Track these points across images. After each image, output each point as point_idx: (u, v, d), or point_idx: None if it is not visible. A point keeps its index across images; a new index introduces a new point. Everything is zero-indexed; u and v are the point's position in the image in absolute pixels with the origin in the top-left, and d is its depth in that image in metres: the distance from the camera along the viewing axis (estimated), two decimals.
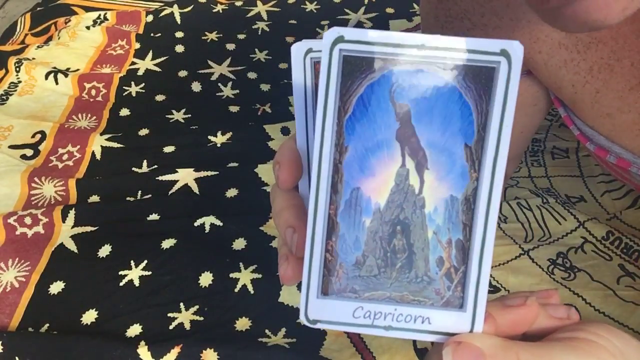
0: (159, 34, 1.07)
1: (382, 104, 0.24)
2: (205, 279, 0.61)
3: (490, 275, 0.61)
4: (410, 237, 0.25)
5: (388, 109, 0.24)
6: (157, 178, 0.74)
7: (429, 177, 0.25)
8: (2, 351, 0.53)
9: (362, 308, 0.26)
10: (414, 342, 0.53)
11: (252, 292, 0.59)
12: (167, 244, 0.65)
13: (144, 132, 0.84)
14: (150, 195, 0.72)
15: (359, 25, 1.09)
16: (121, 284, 0.61)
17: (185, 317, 0.57)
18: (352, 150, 0.25)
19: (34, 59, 0.96)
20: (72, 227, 0.67)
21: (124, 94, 0.91)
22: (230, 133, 0.82)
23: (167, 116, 0.87)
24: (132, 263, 0.63)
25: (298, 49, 0.29)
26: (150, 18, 1.11)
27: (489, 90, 0.24)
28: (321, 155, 0.25)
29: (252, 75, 0.96)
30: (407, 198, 0.25)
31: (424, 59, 0.24)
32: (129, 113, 0.88)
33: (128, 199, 0.72)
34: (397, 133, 0.25)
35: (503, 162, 0.25)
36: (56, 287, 0.61)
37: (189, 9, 1.13)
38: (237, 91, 0.92)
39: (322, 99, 0.24)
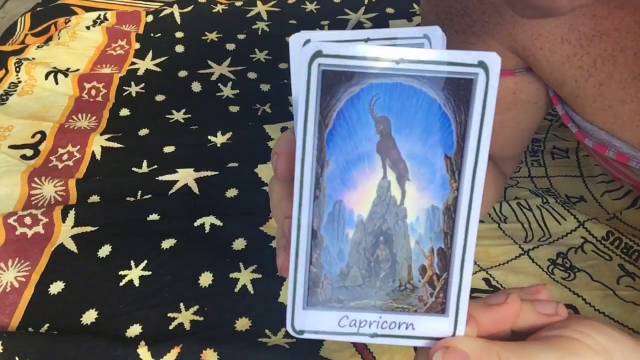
0: (159, 34, 1.07)
1: (362, 117, 0.25)
2: (205, 279, 0.61)
3: (490, 275, 0.61)
4: (393, 247, 0.26)
5: (368, 122, 0.25)
6: (157, 178, 0.74)
7: (411, 188, 0.26)
8: (2, 351, 0.53)
9: (347, 317, 0.26)
10: None
11: (252, 292, 0.59)
12: (167, 244, 0.65)
13: (144, 132, 0.84)
14: (150, 195, 0.72)
15: (359, 25, 1.09)
16: (121, 284, 0.61)
17: (185, 317, 0.57)
18: (334, 163, 0.25)
19: (34, 59, 0.96)
20: (72, 227, 0.67)
21: (124, 94, 0.91)
22: (230, 133, 0.82)
23: (167, 116, 0.87)
24: (132, 263, 0.63)
25: (296, 40, 0.29)
26: (150, 18, 1.11)
27: (467, 101, 0.24)
28: (303, 169, 0.25)
29: (252, 75, 0.96)
30: (389, 209, 0.26)
31: (402, 72, 0.24)
32: (129, 113, 0.88)
33: (128, 199, 0.72)
34: (377, 145, 0.25)
35: (482, 171, 0.25)
36: (56, 287, 0.61)
37: (189, 9, 1.13)
38: (237, 91, 0.92)
39: (302, 113, 0.24)
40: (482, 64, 0.24)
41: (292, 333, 0.27)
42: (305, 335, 0.27)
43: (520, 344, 0.26)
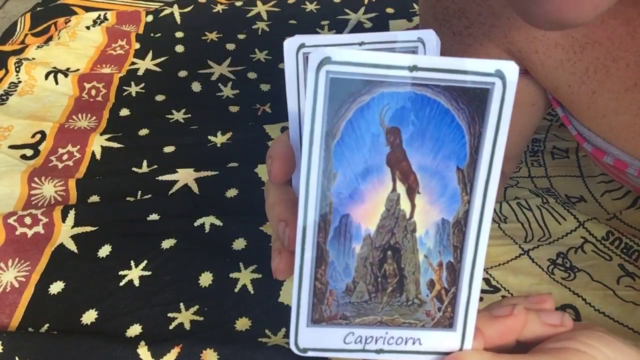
0: (159, 34, 1.07)
1: (372, 128, 0.23)
2: (205, 279, 0.61)
3: (490, 275, 0.61)
4: (401, 261, 0.25)
5: (378, 133, 0.24)
6: (157, 178, 0.74)
7: (420, 201, 0.25)
8: (2, 351, 0.53)
9: (352, 334, 0.26)
10: None
11: (252, 292, 0.59)
12: (167, 244, 0.65)
13: (144, 132, 0.84)
14: (150, 195, 0.72)
15: (359, 25, 1.09)
16: (121, 284, 0.61)
17: (185, 317, 0.57)
18: (341, 176, 0.24)
19: (34, 59, 0.96)
20: (72, 227, 0.67)
21: (124, 94, 0.92)
22: (230, 133, 0.82)
23: (167, 116, 0.87)
24: (132, 263, 0.63)
25: (290, 44, 0.28)
26: (150, 18, 1.11)
27: (482, 111, 0.23)
28: (308, 182, 0.24)
29: (252, 75, 0.96)
30: (398, 223, 0.25)
31: (415, 80, 0.23)
32: (129, 113, 0.88)
33: (128, 199, 0.72)
34: (387, 157, 0.24)
35: (495, 184, 0.24)
36: (56, 287, 0.61)
37: (189, 9, 1.13)
38: (237, 91, 0.92)
39: (309, 124, 0.23)
40: (499, 73, 0.23)
41: (295, 352, 0.26)
42: (310, 354, 0.26)
43: (526, 356, 0.26)
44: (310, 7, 1.15)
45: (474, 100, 0.23)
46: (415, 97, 0.23)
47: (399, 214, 0.25)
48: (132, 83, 0.94)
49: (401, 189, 0.24)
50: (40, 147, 0.79)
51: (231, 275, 0.61)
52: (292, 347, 0.26)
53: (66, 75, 0.92)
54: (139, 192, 0.72)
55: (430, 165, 0.24)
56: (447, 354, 0.26)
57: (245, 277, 0.61)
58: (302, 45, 0.28)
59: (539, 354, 0.26)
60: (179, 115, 0.87)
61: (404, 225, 0.25)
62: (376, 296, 0.25)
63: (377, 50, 0.28)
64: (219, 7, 1.15)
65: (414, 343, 0.26)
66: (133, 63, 0.99)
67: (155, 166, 0.77)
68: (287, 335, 0.55)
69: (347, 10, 1.13)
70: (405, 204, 0.25)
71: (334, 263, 0.25)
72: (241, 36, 1.06)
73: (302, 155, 0.24)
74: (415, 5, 1.13)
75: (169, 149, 0.80)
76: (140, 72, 0.96)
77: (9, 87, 0.91)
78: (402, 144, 0.24)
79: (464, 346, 0.26)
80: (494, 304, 0.28)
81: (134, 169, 0.77)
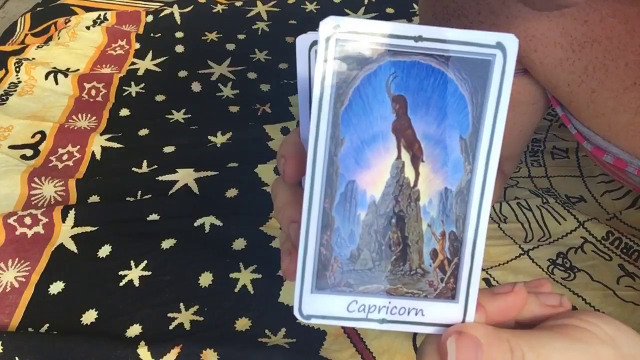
0: (159, 34, 1.07)
1: (378, 95, 0.24)
2: (205, 279, 0.61)
3: (490, 275, 0.61)
4: (405, 229, 0.26)
5: (384, 100, 0.24)
6: (157, 178, 0.74)
7: (424, 169, 0.25)
8: (2, 351, 0.53)
9: (356, 302, 0.26)
10: (414, 342, 0.53)
11: (252, 292, 0.59)
12: (167, 244, 0.65)
13: (144, 132, 0.84)
14: (150, 195, 0.72)
15: None
16: (121, 284, 0.61)
17: (185, 317, 0.57)
18: (348, 142, 0.25)
19: (34, 59, 0.96)
20: (72, 227, 0.67)
21: (124, 94, 0.92)
22: (230, 133, 0.82)
23: (167, 116, 0.87)
24: (132, 263, 0.63)
25: (303, 41, 0.28)
26: (150, 18, 1.11)
27: (484, 82, 0.24)
28: (316, 147, 0.25)
29: (252, 75, 0.96)
30: (403, 191, 0.25)
31: (421, 50, 0.24)
32: (129, 113, 0.88)
33: (128, 199, 0.72)
34: (393, 125, 0.25)
35: (496, 154, 0.25)
36: (56, 287, 0.61)
37: (189, 9, 1.13)
38: (237, 91, 0.92)
39: (318, 90, 0.24)
40: (500, 45, 0.24)
41: (299, 318, 0.26)
42: (313, 321, 0.26)
43: (529, 331, 0.26)
44: (310, 7, 1.15)
45: (476, 71, 0.24)
46: (420, 66, 0.24)
47: (404, 181, 0.25)
48: (132, 83, 0.94)
49: (406, 156, 0.25)
50: (40, 147, 0.79)
51: (231, 275, 0.61)
52: (296, 313, 0.26)
53: (66, 76, 0.92)
54: (139, 192, 0.72)
55: (434, 133, 0.25)
56: (449, 326, 0.26)
57: (245, 277, 0.61)
58: (314, 43, 0.28)
59: (541, 329, 0.26)
60: (179, 115, 0.87)
61: (408, 193, 0.25)
62: (380, 264, 0.26)
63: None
64: (219, 7, 1.15)
65: (416, 314, 0.26)
66: (133, 63, 0.99)
67: (155, 166, 0.77)
68: (287, 336, 0.55)
69: (347, 10, 1.14)
70: (409, 172, 0.25)
71: (339, 229, 0.25)
72: (241, 36, 1.06)
73: (310, 120, 0.24)
74: (415, 5, 1.14)
75: (169, 149, 0.80)
76: (140, 72, 0.97)
77: (9, 87, 0.91)
78: (407, 112, 0.25)
79: (467, 318, 0.26)
80: (494, 286, 0.28)
81: (134, 169, 0.77)
